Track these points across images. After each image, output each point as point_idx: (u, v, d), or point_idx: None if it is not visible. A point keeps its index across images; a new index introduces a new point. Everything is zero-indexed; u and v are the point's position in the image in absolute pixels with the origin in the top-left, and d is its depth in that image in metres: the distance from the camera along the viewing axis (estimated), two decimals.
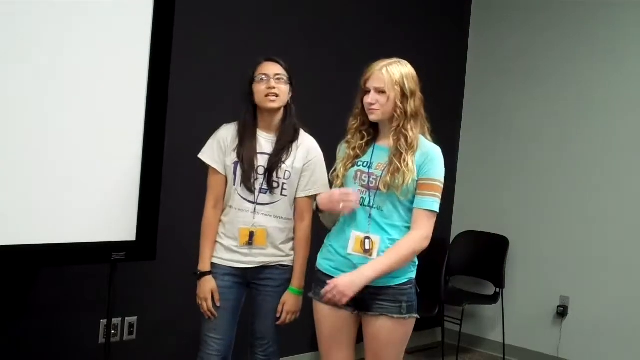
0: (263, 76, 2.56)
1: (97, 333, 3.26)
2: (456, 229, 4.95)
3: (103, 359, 3.00)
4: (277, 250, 2.61)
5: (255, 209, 2.57)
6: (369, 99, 2.38)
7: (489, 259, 4.68)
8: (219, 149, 2.61)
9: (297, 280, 2.61)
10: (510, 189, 4.79)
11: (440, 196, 2.37)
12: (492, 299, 4.54)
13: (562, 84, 4.57)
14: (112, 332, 3.08)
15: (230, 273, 2.61)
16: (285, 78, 2.58)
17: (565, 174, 4.52)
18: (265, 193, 2.56)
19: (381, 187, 2.34)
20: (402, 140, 2.36)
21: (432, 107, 5.14)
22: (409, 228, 2.38)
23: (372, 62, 2.42)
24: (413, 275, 2.42)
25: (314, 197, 2.58)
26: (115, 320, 3.28)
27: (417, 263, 2.45)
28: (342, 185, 2.46)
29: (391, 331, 2.37)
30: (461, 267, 4.72)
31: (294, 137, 2.61)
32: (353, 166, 2.44)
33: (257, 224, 2.57)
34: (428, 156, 2.37)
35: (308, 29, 4.02)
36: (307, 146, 2.63)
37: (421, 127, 2.43)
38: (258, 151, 2.58)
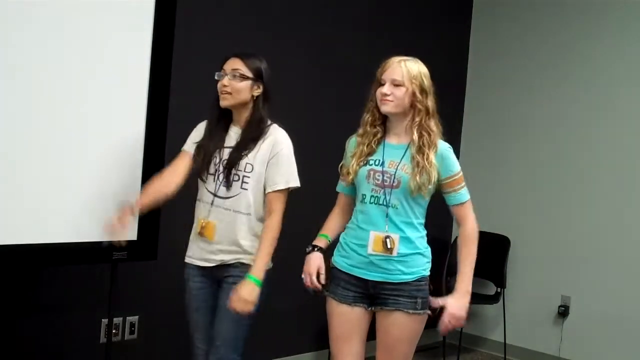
0: (220, 73, 2.52)
1: (98, 332, 3.27)
2: (457, 228, 4.93)
3: (104, 359, 3.01)
4: (237, 246, 2.51)
5: (213, 201, 2.51)
6: (384, 89, 2.37)
7: (490, 259, 4.67)
8: (193, 139, 2.62)
9: (256, 269, 2.44)
10: (511, 189, 4.79)
11: (465, 184, 2.48)
12: (493, 298, 4.54)
13: (564, 84, 4.57)
14: (114, 331, 3.08)
15: (200, 274, 2.58)
16: (241, 74, 2.49)
17: (566, 174, 4.52)
18: (225, 186, 2.50)
19: (412, 188, 2.35)
20: (426, 136, 2.38)
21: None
22: (421, 224, 2.44)
23: (388, 57, 2.43)
24: (428, 272, 2.45)
25: (284, 192, 2.51)
26: (117, 320, 3.28)
27: (430, 260, 2.48)
28: (352, 182, 2.45)
29: (405, 326, 2.39)
30: None
31: (259, 131, 2.52)
32: (365, 165, 2.43)
33: (210, 217, 2.51)
34: (443, 155, 2.42)
35: (308, 30, 4.02)
36: (273, 139, 2.52)
37: (441, 128, 2.45)
38: (226, 145, 2.53)
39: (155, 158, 2.86)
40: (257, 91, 2.52)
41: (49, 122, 2.60)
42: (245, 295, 2.40)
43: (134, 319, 3.39)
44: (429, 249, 2.49)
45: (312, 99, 4.04)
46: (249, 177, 2.49)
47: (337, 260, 2.49)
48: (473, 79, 5.04)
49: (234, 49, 3.60)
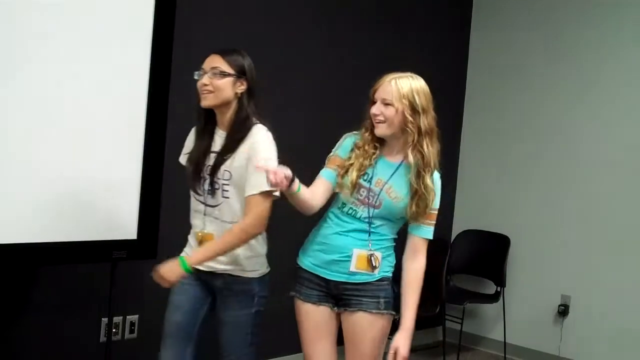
0: (200, 71, 2.38)
1: (98, 331, 3.27)
2: (457, 227, 4.95)
3: (104, 358, 3.01)
4: (227, 257, 2.37)
5: (205, 211, 2.41)
6: (374, 109, 2.33)
7: (490, 258, 4.68)
8: (186, 149, 2.53)
9: (192, 255, 2.34)
10: (511, 188, 4.79)
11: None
12: (493, 297, 4.54)
13: (565, 83, 4.56)
14: (114, 330, 3.08)
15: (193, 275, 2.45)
16: (221, 71, 2.34)
17: (567, 174, 4.52)
18: (211, 194, 2.38)
19: (410, 218, 2.35)
20: (419, 157, 2.31)
21: (434, 106, 5.13)
22: (392, 239, 2.43)
23: (384, 74, 2.35)
24: (390, 273, 2.44)
25: (262, 196, 2.30)
26: (117, 319, 3.28)
27: (393, 262, 2.47)
28: (335, 176, 2.39)
29: (368, 325, 2.37)
30: (462, 265, 4.71)
31: (244, 131, 2.35)
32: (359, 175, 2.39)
33: (206, 229, 2.41)
34: (435, 184, 2.36)
35: (307, 30, 4.02)
36: (251, 142, 2.34)
37: (436, 146, 2.36)
38: (212, 149, 2.40)
39: (155, 158, 2.86)
40: (241, 88, 2.37)
41: (49, 121, 2.60)
42: (165, 272, 2.29)
43: (134, 318, 3.39)
44: (394, 253, 2.48)
45: (313, 99, 4.04)
46: (227, 184, 2.36)
47: (302, 259, 2.48)
48: (473, 79, 5.03)
49: (233, 47, 3.63)
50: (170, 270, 2.29)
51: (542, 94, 4.66)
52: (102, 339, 3.24)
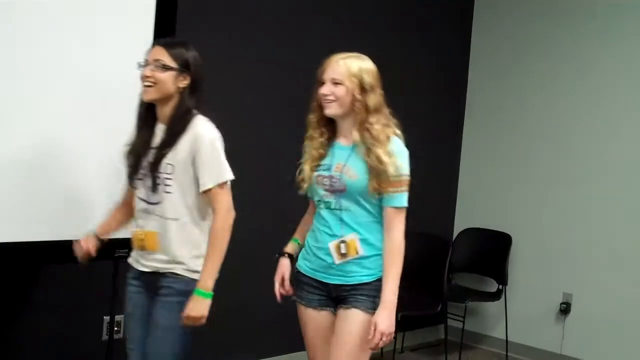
0: (142, 62, 2.30)
1: (100, 330, 3.27)
2: (459, 226, 4.95)
3: (106, 356, 3.01)
4: (170, 256, 2.29)
5: (147, 209, 2.32)
6: (323, 89, 2.31)
7: (491, 256, 4.68)
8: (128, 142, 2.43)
9: (201, 281, 2.24)
10: (513, 186, 4.79)
11: (407, 190, 2.32)
12: (495, 296, 4.54)
13: (566, 82, 4.56)
14: (115, 329, 3.08)
15: (137, 277, 2.39)
16: (163, 64, 2.26)
17: (568, 171, 4.52)
18: (152, 191, 2.29)
19: (372, 192, 2.27)
20: (368, 134, 2.28)
21: (436, 105, 5.16)
22: (376, 222, 2.34)
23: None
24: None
25: (221, 188, 2.27)
26: (119, 317, 3.27)
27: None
28: (307, 190, 2.39)
29: (360, 323, 2.30)
30: (464, 264, 4.71)
31: (183, 124, 2.27)
32: (316, 170, 2.38)
33: (147, 227, 2.32)
34: (391, 153, 2.29)
35: (306, 29, 4.01)
36: (193, 134, 2.26)
37: (386, 122, 2.34)
38: (152, 145, 2.32)
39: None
40: (183, 82, 2.30)
41: (51, 121, 2.61)
42: (193, 312, 2.21)
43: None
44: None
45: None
46: (170, 178, 2.27)
47: (301, 264, 2.45)
48: (474, 78, 5.03)
49: (235, 47, 3.63)
50: (197, 309, 2.21)
51: (543, 93, 4.66)
52: (104, 337, 3.24)
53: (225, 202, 2.28)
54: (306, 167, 2.39)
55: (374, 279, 2.33)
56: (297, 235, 2.56)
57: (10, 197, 2.53)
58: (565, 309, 4.46)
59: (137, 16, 2.84)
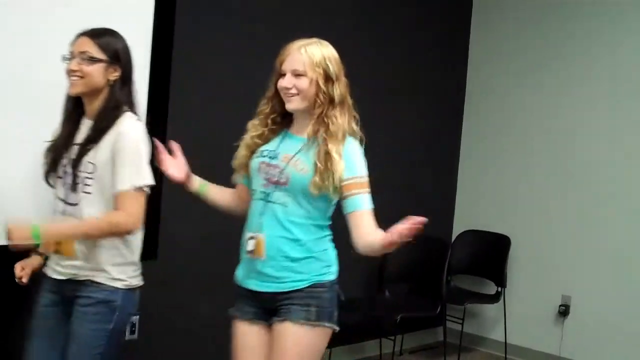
0: (68, 54, 2.13)
1: None
2: (458, 227, 4.95)
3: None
4: (89, 262, 2.13)
5: (65, 210, 2.14)
6: (284, 82, 2.09)
7: (490, 258, 4.68)
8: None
9: (50, 228, 2.09)
10: (512, 188, 4.79)
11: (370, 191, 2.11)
12: (494, 298, 4.54)
13: (565, 83, 4.57)
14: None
15: (50, 288, 2.21)
16: (90, 57, 2.09)
17: (567, 173, 4.52)
18: (72, 191, 2.12)
19: (312, 190, 2.06)
20: (322, 129, 2.07)
21: (434, 105, 5.15)
22: (320, 226, 2.14)
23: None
24: (325, 277, 2.15)
25: (134, 193, 2.10)
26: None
27: (332, 265, 2.19)
28: (244, 176, 2.22)
29: (294, 339, 2.07)
30: (463, 266, 4.71)
31: (111, 120, 2.10)
32: (258, 156, 2.17)
33: None
34: (348, 153, 2.09)
35: (305, 28, 4.00)
36: (117, 132, 2.08)
37: (349, 117, 2.13)
38: (76, 141, 2.15)
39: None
40: (114, 75, 2.13)
41: (52, 121, 2.60)
42: (12, 225, 2.03)
43: (134, 318, 3.38)
44: (330, 251, 2.19)
45: None
46: (91, 178, 2.10)
47: (236, 272, 2.22)
48: (473, 78, 5.03)
49: (234, 48, 3.63)
50: (18, 229, 2.03)
51: (543, 94, 4.66)
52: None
53: (136, 209, 2.10)
54: (244, 151, 2.20)
55: (307, 285, 2.11)
56: (209, 184, 2.35)
57: (12, 198, 2.52)
58: (564, 311, 4.46)
59: (137, 16, 2.83)
